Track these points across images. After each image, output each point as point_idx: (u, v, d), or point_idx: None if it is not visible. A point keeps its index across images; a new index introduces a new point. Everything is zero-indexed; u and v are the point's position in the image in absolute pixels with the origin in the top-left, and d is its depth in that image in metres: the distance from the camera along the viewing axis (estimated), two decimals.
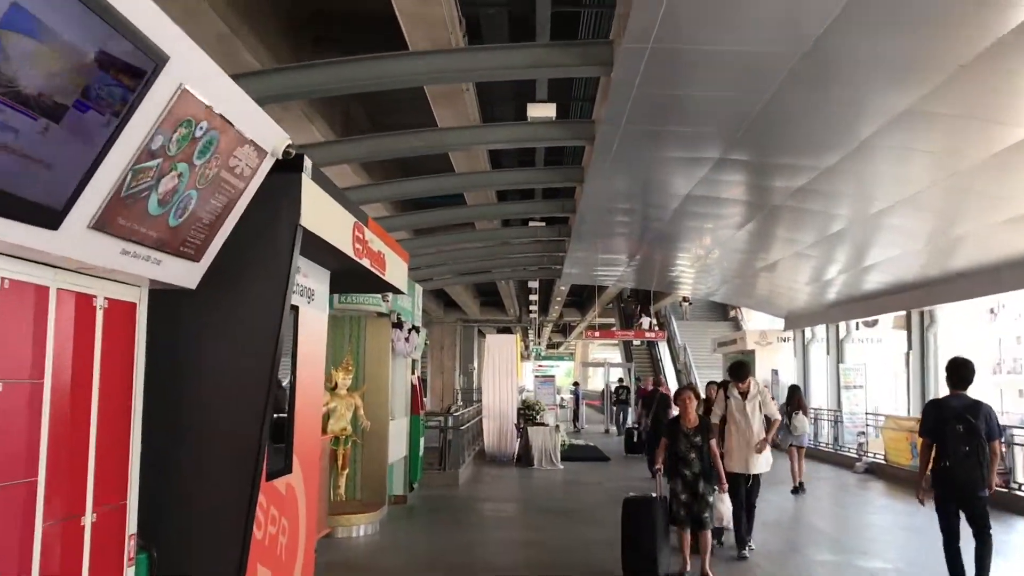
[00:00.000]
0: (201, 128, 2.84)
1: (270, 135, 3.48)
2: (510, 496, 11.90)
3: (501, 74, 8.73)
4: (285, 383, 5.00)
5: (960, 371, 5.78)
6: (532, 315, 41.42)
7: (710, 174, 9.61)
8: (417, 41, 7.84)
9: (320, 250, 4.69)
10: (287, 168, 3.70)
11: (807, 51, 5.85)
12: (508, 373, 16.08)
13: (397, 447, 10.00)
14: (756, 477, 7.57)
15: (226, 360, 3.78)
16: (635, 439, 16.42)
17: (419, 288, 11.62)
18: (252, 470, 3.65)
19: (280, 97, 7.69)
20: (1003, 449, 6.18)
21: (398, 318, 9.31)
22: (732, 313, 39.63)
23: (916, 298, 14.04)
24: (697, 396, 7.42)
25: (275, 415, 4.29)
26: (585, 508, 10.58)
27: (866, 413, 14.65)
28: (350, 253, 5.14)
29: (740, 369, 7.79)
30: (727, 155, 8.81)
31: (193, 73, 2.70)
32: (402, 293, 7.30)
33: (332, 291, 6.68)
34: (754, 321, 35.43)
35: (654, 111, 7.80)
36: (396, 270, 6.66)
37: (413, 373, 10.91)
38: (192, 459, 3.72)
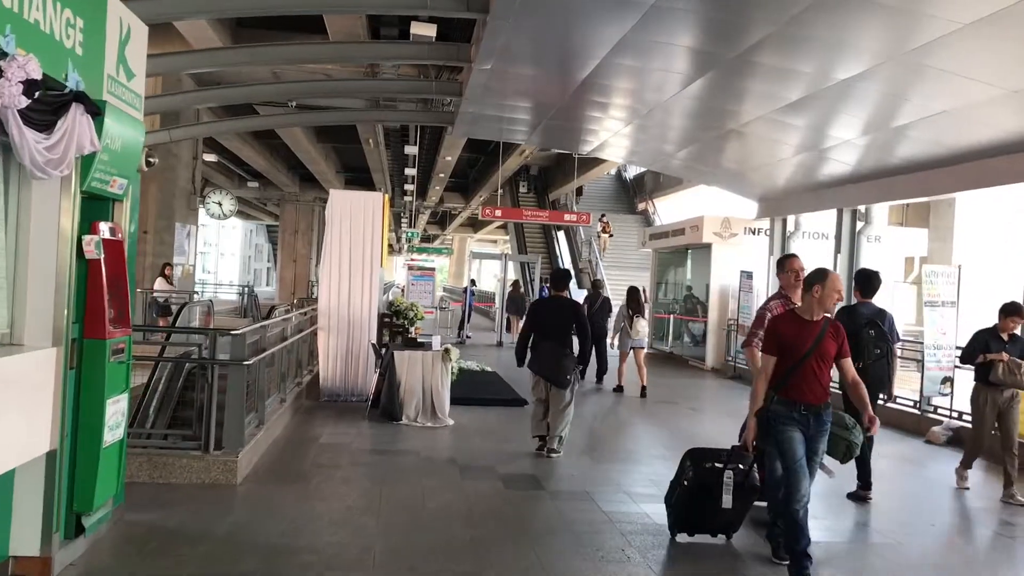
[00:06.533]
0: None
1: None
2: (357, 543, 4.60)
3: None
4: None
5: (872, 281, 6.45)
6: (408, 197, 34.46)
7: None
8: None
9: None
10: None
11: None
12: (366, 255, 9.46)
13: None
14: None
15: None
16: None
17: (129, 18, 4.68)
18: None
19: None
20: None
21: None
22: (642, 206, 34.08)
23: None
24: None
25: None
26: None
27: (957, 348, 8.75)
28: None
29: None
30: None
31: None
32: None
33: None
34: (668, 214, 29.97)
35: None
36: None
37: (95, 232, 4.16)
38: None
